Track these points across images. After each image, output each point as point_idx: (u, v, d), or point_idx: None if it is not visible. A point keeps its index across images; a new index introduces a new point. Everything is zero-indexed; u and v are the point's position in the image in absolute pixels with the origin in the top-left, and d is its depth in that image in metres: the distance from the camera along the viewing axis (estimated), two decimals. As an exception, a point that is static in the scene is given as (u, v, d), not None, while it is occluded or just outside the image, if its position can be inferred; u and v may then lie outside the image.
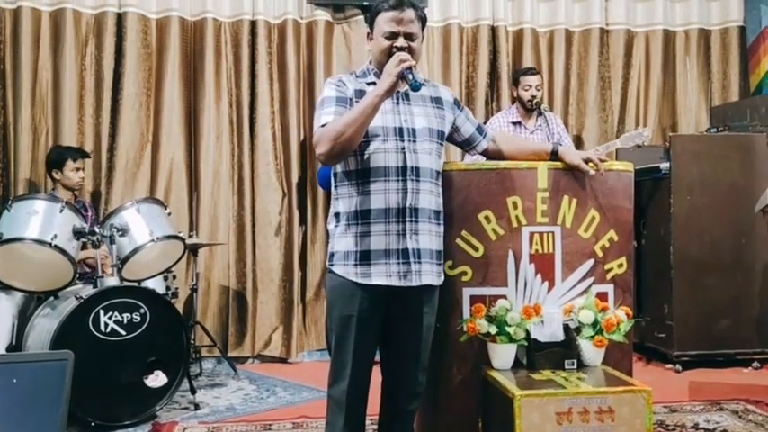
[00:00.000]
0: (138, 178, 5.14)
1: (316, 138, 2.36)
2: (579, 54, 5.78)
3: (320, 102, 2.44)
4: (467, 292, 2.68)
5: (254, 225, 5.30)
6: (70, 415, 3.11)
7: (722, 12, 5.95)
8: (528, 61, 5.55)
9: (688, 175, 4.72)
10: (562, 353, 2.61)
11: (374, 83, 2.45)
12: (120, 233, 3.87)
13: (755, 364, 4.71)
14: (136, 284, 3.99)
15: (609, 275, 2.76)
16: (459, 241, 2.67)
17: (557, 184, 2.72)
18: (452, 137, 2.65)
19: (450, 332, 2.65)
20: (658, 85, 5.88)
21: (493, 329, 2.56)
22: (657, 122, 5.87)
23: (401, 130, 2.40)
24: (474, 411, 2.68)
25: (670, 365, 4.72)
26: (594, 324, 2.61)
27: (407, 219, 2.36)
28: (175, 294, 4.61)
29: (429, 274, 2.41)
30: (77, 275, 3.88)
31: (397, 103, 2.42)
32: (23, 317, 3.97)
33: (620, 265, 2.78)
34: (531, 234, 2.71)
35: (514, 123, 4.68)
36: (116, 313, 3.67)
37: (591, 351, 2.61)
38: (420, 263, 2.38)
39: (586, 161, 2.69)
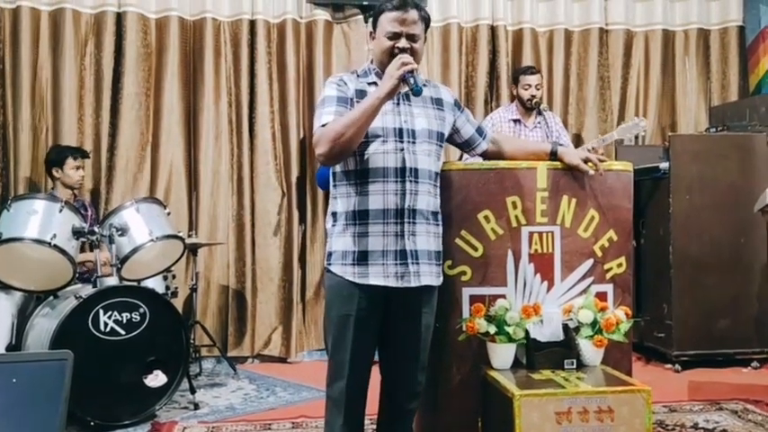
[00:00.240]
0: (138, 178, 5.14)
1: (315, 138, 2.35)
2: (579, 54, 5.78)
3: (321, 101, 2.43)
4: (466, 292, 2.68)
5: (253, 225, 5.30)
6: (70, 415, 3.11)
7: (721, 11, 5.95)
8: (527, 61, 5.55)
9: (687, 175, 4.72)
10: (561, 353, 2.61)
11: (375, 83, 2.45)
12: (120, 233, 3.87)
13: (755, 363, 4.71)
14: (135, 284, 3.99)
15: (608, 275, 2.76)
16: (458, 241, 2.67)
17: (556, 184, 2.72)
18: (452, 138, 2.64)
19: (449, 332, 2.65)
20: (658, 85, 5.89)
21: (492, 329, 2.56)
22: (657, 122, 5.88)
23: (401, 131, 2.39)
24: (473, 411, 2.68)
25: (669, 365, 4.72)
26: (594, 324, 2.61)
27: (405, 220, 2.36)
28: (175, 294, 4.61)
29: (427, 275, 2.41)
30: (77, 275, 3.88)
31: (398, 104, 2.42)
32: (23, 316, 3.97)
33: (620, 265, 2.78)
34: (531, 234, 2.71)
35: (514, 121, 4.68)
36: (115, 313, 3.68)
37: (590, 351, 2.61)
38: (418, 264, 2.38)
39: (586, 161, 2.69)
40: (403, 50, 2.36)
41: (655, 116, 5.87)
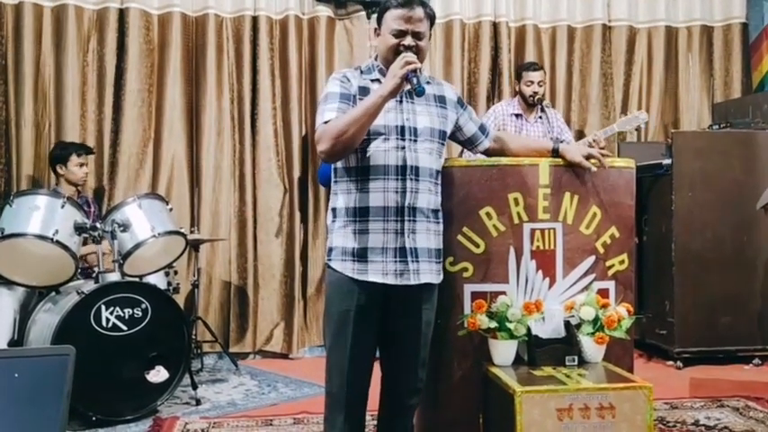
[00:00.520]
0: (141, 174, 5.15)
1: (318, 134, 2.35)
2: (581, 50, 5.77)
3: (324, 97, 2.43)
4: (468, 289, 2.68)
5: (255, 221, 5.30)
6: (72, 410, 3.13)
7: (724, 8, 5.94)
8: (530, 57, 5.54)
9: (690, 172, 4.71)
10: (563, 349, 2.61)
11: (378, 80, 2.45)
12: (122, 228, 3.87)
13: (756, 360, 4.71)
14: (137, 280, 4.00)
15: (610, 272, 2.76)
16: (460, 237, 2.67)
17: (558, 181, 2.71)
18: (455, 135, 2.64)
19: (450, 328, 2.65)
20: (660, 82, 5.88)
21: (494, 325, 2.56)
22: (659, 119, 5.87)
23: (403, 128, 2.39)
24: (474, 407, 2.68)
25: (671, 362, 4.72)
26: (595, 321, 2.61)
27: (405, 218, 2.36)
28: (177, 290, 4.62)
29: (427, 273, 2.41)
30: (79, 271, 3.89)
31: (401, 102, 2.41)
32: (25, 312, 3.98)
33: (622, 262, 2.78)
34: (533, 230, 2.71)
35: (515, 115, 4.67)
36: (117, 308, 3.68)
37: (592, 347, 2.61)
38: (417, 261, 2.38)
39: (588, 157, 2.68)
40: (408, 48, 2.35)
41: (657, 113, 5.86)
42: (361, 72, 2.50)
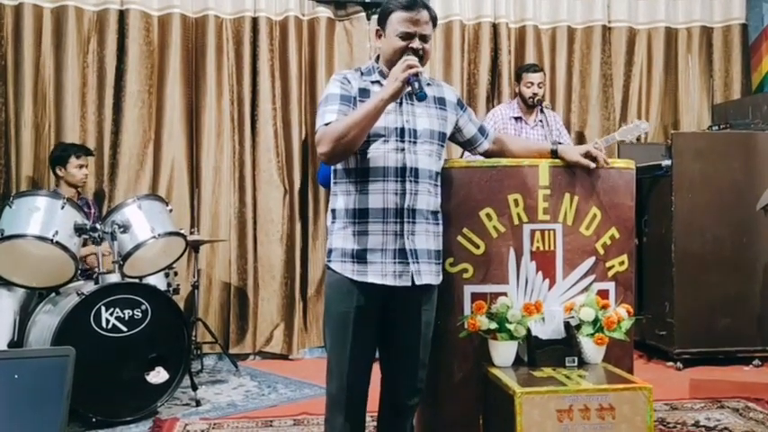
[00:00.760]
0: (141, 175, 5.15)
1: (318, 136, 2.35)
2: (581, 51, 5.78)
3: (324, 98, 2.43)
4: (468, 290, 2.68)
5: (255, 222, 5.31)
6: (71, 411, 3.12)
7: (724, 9, 5.94)
8: (530, 58, 5.54)
9: (690, 173, 4.71)
10: (563, 350, 2.61)
11: (379, 82, 2.45)
12: (122, 230, 3.87)
13: (756, 361, 4.71)
14: (137, 281, 4.00)
15: (610, 273, 2.76)
16: (460, 238, 2.67)
17: (558, 182, 2.71)
18: (454, 137, 2.64)
19: (450, 329, 2.65)
20: (660, 83, 5.88)
21: (494, 327, 2.56)
22: (659, 120, 5.87)
23: (403, 130, 2.39)
24: (474, 408, 2.68)
25: (671, 363, 4.72)
26: (595, 322, 2.60)
27: (405, 219, 2.37)
28: (177, 291, 4.62)
29: (426, 274, 2.41)
30: (79, 272, 3.89)
31: (401, 104, 2.41)
32: (25, 313, 3.98)
33: (622, 263, 2.77)
34: (533, 231, 2.71)
35: (515, 118, 4.68)
36: (117, 310, 3.68)
37: (592, 349, 2.61)
38: (417, 263, 2.38)
39: (586, 155, 2.68)
40: (416, 51, 2.35)
41: (657, 114, 5.86)
42: (362, 74, 2.50)
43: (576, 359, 2.60)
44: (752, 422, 3.56)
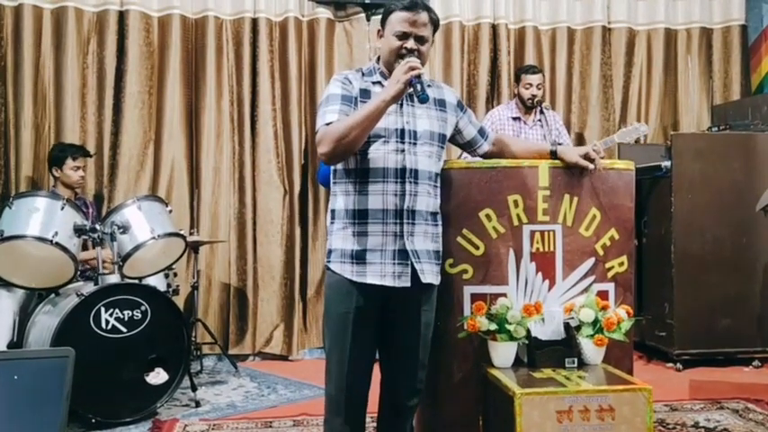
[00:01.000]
0: (140, 176, 5.16)
1: (319, 136, 2.35)
2: (581, 52, 5.78)
3: (325, 98, 2.43)
4: (467, 291, 2.68)
5: (255, 223, 5.30)
6: (71, 412, 3.12)
7: (724, 10, 5.94)
8: (530, 59, 5.55)
9: (689, 174, 4.71)
10: (563, 351, 2.61)
11: (380, 82, 2.46)
12: (122, 230, 3.87)
13: (756, 362, 4.71)
14: (137, 282, 4.00)
15: (610, 274, 2.76)
16: (459, 239, 2.67)
17: (558, 183, 2.71)
18: (454, 139, 2.65)
19: (450, 330, 2.65)
20: (660, 84, 5.88)
21: (493, 327, 2.56)
22: (659, 121, 5.87)
23: (403, 132, 2.40)
24: (474, 409, 2.68)
25: (671, 364, 4.72)
26: (595, 323, 2.61)
27: (404, 220, 2.37)
28: (176, 292, 4.62)
29: (427, 274, 2.42)
30: (78, 273, 3.89)
31: (401, 105, 2.42)
32: (24, 314, 3.97)
33: (621, 264, 2.78)
34: (532, 232, 2.71)
35: (514, 118, 4.69)
36: (117, 310, 3.68)
37: (591, 349, 2.61)
38: (418, 263, 2.38)
39: (584, 157, 2.68)
40: (411, 51, 2.36)
41: (657, 115, 5.86)
42: (363, 74, 2.50)
43: (575, 360, 2.60)
44: (752, 423, 3.56)
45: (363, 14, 5.43)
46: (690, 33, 5.93)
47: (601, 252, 2.75)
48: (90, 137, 5.08)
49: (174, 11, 5.24)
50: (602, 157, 2.74)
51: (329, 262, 2.44)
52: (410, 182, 2.38)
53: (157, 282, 4.34)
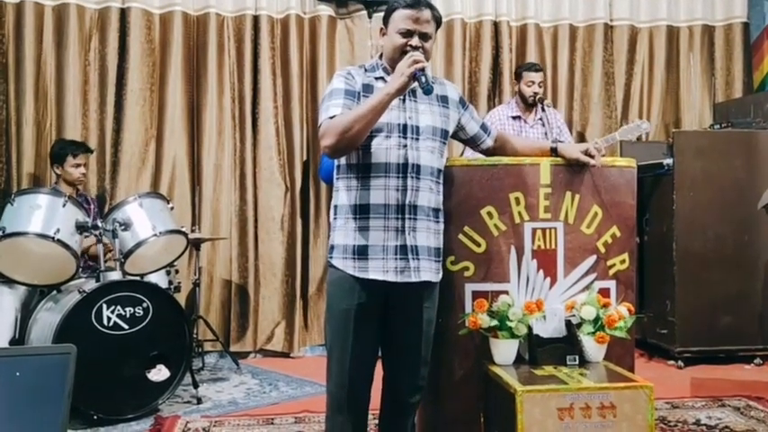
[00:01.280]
0: (142, 173, 5.16)
1: (322, 129, 2.36)
2: (583, 49, 5.77)
3: (329, 92, 2.44)
4: (469, 288, 2.68)
5: (256, 220, 5.31)
6: (73, 409, 3.13)
7: (726, 8, 5.93)
8: (531, 57, 5.54)
9: (691, 172, 4.71)
10: (564, 348, 2.61)
11: (382, 78, 2.47)
12: (123, 227, 3.87)
13: (758, 360, 4.71)
14: (138, 279, 4.00)
15: (611, 271, 2.76)
16: (461, 237, 2.67)
17: (559, 180, 2.71)
18: (457, 135, 2.65)
19: (451, 327, 2.65)
20: (662, 81, 5.88)
21: (495, 325, 2.56)
22: (661, 118, 5.87)
23: (405, 127, 2.40)
24: (475, 406, 2.68)
25: (672, 362, 4.72)
26: (596, 320, 2.61)
27: (406, 216, 2.37)
28: (178, 289, 4.62)
29: (427, 271, 2.42)
30: (80, 269, 3.89)
31: (404, 101, 2.43)
32: (26, 311, 3.98)
33: (623, 261, 2.78)
34: (534, 230, 2.71)
35: (514, 118, 4.68)
36: (119, 307, 3.69)
37: (593, 347, 2.61)
38: (418, 259, 2.39)
39: (585, 153, 2.68)
40: (415, 49, 2.37)
41: (659, 112, 5.86)
42: (365, 70, 2.51)
43: (576, 357, 2.60)
44: (753, 421, 3.56)
45: (365, 12, 5.42)
46: (692, 31, 5.92)
47: (602, 249, 2.75)
48: (92, 134, 5.09)
49: (176, 8, 5.24)
50: (603, 155, 2.74)
51: (331, 258, 2.44)
52: (412, 177, 2.38)
53: (159, 279, 4.34)
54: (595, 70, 5.75)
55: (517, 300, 2.64)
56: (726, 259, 4.71)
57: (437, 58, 5.52)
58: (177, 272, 4.69)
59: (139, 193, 4.17)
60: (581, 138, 5.60)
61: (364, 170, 2.38)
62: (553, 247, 2.72)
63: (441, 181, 2.51)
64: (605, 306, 2.64)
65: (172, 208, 4.25)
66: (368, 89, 2.43)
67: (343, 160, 2.44)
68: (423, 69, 2.27)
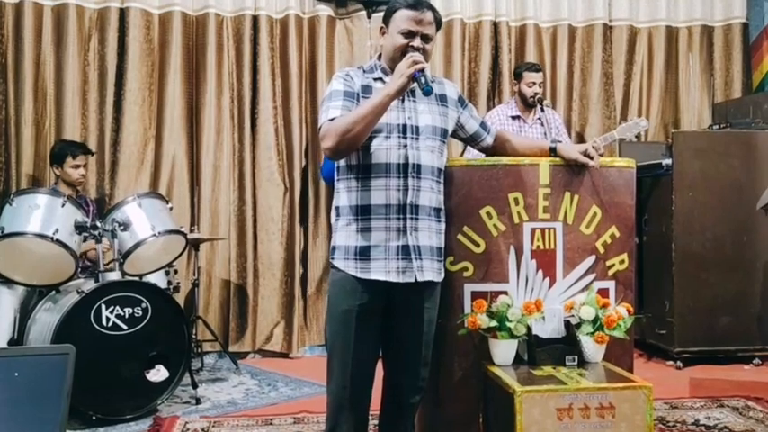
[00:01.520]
0: (141, 173, 5.15)
1: (322, 131, 2.36)
2: (582, 50, 5.77)
3: (328, 95, 2.44)
4: (468, 288, 2.68)
5: (255, 220, 5.30)
6: (71, 409, 3.12)
7: (725, 8, 5.93)
8: (531, 57, 5.54)
9: (690, 172, 4.71)
10: (563, 349, 2.61)
11: (381, 79, 2.47)
12: (122, 228, 3.87)
13: (756, 360, 4.71)
14: (137, 279, 4.00)
15: (610, 272, 2.76)
16: (460, 237, 2.67)
17: (558, 180, 2.71)
18: (457, 133, 2.66)
19: (451, 328, 2.65)
20: (661, 82, 5.88)
21: (494, 325, 2.56)
22: (660, 119, 5.87)
23: (405, 127, 2.41)
24: (475, 407, 2.69)
25: (671, 362, 4.73)
26: (595, 320, 2.61)
27: (408, 216, 2.37)
28: (177, 289, 4.62)
29: (429, 271, 2.42)
30: (79, 269, 3.89)
31: (403, 101, 2.43)
32: (25, 311, 3.98)
33: (622, 262, 2.78)
34: (533, 230, 2.71)
35: (514, 117, 4.68)
36: (118, 307, 3.68)
37: (592, 347, 2.61)
38: (420, 259, 2.39)
39: (584, 154, 2.68)
40: (417, 50, 2.37)
41: (658, 113, 5.86)
42: (364, 71, 2.51)
43: (576, 358, 2.60)
44: (752, 421, 3.56)
45: (364, 12, 5.42)
46: (691, 31, 5.93)
47: (601, 250, 2.75)
48: (91, 134, 5.08)
49: (175, 8, 5.24)
50: (601, 154, 2.74)
51: (333, 259, 2.44)
52: (413, 177, 2.38)
53: (158, 279, 4.34)
54: (594, 70, 5.75)
55: (516, 300, 2.64)
56: (724, 259, 4.71)
57: (436, 59, 5.52)
58: (176, 272, 4.69)
59: (138, 194, 4.17)
60: (580, 138, 5.60)
61: (365, 171, 2.39)
62: (552, 247, 2.72)
63: (441, 180, 2.51)
64: (604, 306, 2.64)
65: (171, 208, 4.25)
66: (367, 90, 2.43)
67: (343, 162, 2.44)
68: (422, 70, 2.28)
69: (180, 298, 4.84)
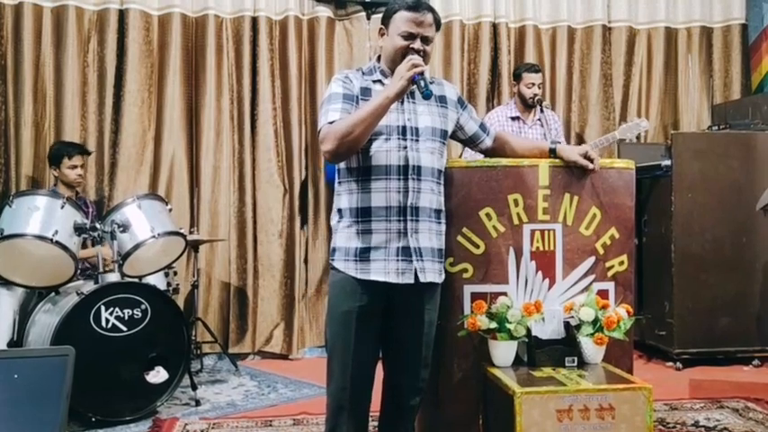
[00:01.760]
0: (140, 174, 5.15)
1: (322, 134, 2.36)
2: (582, 51, 5.77)
3: (327, 97, 2.44)
4: (468, 289, 2.68)
5: (255, 221, 5.30)
6: (71, 410, 3.11)
7: (724, 9, 5.94)
8: (530, 58, 5.55)
9: (689, 173, 4.71)
10: (563, 350, 2.61)
11: (380, 80, 2.47)
12: (121, 229, 3.87)
13: (756, 361, 4.71)
14: (137, 280, 4.00)
15: (610, 273, 2.76)
16: (460, 238, 2.67)
17: (558, 182, 2.71)
18: (456, 135, 2.66)
19: (450, 329, 2.65)
20: (660, 83, 5.88)
21: (493, 326, 2.56)
22: (659, 120, 5.87)
23: (404, 128, 2.41)
24: (474, 408, 2.68)
25: (671, 363, 4.72)
26: (595, 321, 2.61)
27: (408, 217, 2.37)
28: (176, 290, 4.62)
29: (429, 272, 2.42)
30: (78, 271, 3.88)
31: (402, 103, 2.43)
32: (24, 312, 3.97)
33: (621, 263, 2.78)
34: (533, 231, 2.71)
35: (513, 118, 4.69)
36: (117, 309, 3.68)
37: (591, 348, 2.61)
38: (422, 261, 2.39)
39: (584, 156, 2.69)
40: (417, 52, 2.37)
41: (657, 114, 5.86)
42: (363, 73, 2.51)
43: (575, 359, 2.61)
44: (751, 422, 3.56)
45: (364, 13, 5.43)
46: (690, 32, 5.93)
47: (601, 251, 2.75)
48: (90, 135, 5.08)
49: (175, 9, 5.24)
50: (600, 155, 2.75)
51: (333, 260, 2.44)
52: (413, 178, 2.38)
53: (157, 280, 4.34)
54: (594, 72, 5.75)
55: (516, 301, 2.64)
56: (724, 261, 4.71)
57: (436, 60, 5.52)
58: (176, 273, 4.69)
59: (138, 195, 4.16)
60: (579, 139, 5.60)
61: (365, 173, 2.39)
62: (552, 248, 2.72)
63: (441, 182, 2.51)
64: (604, 307, 2.64)
65: (170, 209, 4.25)
66: (366, 93, 2.43)
67: (343, 164, 2.44)
68: (422, 73, 2.27)
69: (179, 299, 4.84)
